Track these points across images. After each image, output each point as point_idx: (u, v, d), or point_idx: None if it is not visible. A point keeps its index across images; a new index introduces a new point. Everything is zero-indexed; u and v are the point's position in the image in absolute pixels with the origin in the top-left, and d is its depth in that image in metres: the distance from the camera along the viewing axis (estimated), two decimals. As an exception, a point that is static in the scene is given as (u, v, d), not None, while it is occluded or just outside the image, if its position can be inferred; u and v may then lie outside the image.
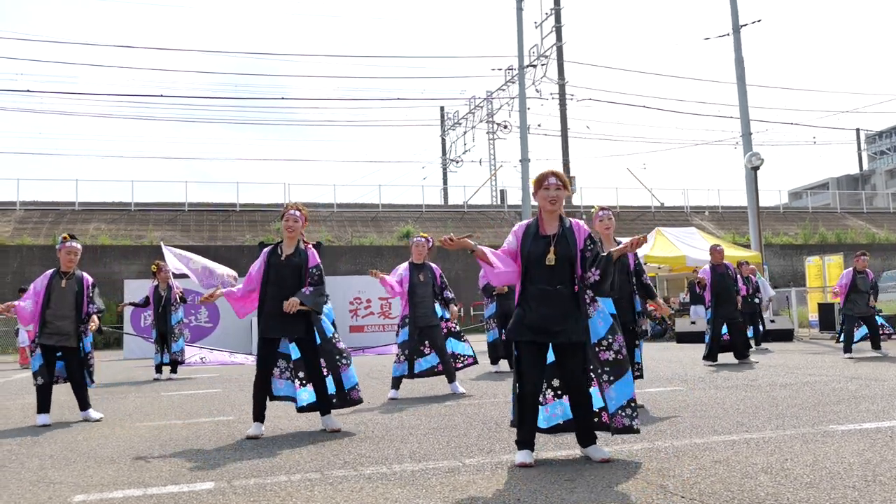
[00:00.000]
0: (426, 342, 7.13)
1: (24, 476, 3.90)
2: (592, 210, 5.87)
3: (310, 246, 5.29)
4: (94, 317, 6.20)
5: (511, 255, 3.90)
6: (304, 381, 5.22)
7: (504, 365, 9.63)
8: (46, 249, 24.54)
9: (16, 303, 6.04)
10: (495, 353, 9.54)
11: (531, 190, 4.01)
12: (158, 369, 10.36)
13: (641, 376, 6.08)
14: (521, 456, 3.73)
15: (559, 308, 3.76)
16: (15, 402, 7.72)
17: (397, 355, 7.10)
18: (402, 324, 7.13)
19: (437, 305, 7.16)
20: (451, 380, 7.11)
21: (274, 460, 4.09)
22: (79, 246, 6.11)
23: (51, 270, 6.12)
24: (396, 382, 6.99)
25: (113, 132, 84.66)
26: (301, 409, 5.20)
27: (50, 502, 3.34)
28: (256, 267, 5.18)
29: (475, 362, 7.56)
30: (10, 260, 24.24)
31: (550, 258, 3.75)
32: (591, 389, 3.87)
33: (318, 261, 5.23)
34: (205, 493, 3.40)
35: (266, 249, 5.22)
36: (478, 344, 9.66)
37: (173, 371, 10.48)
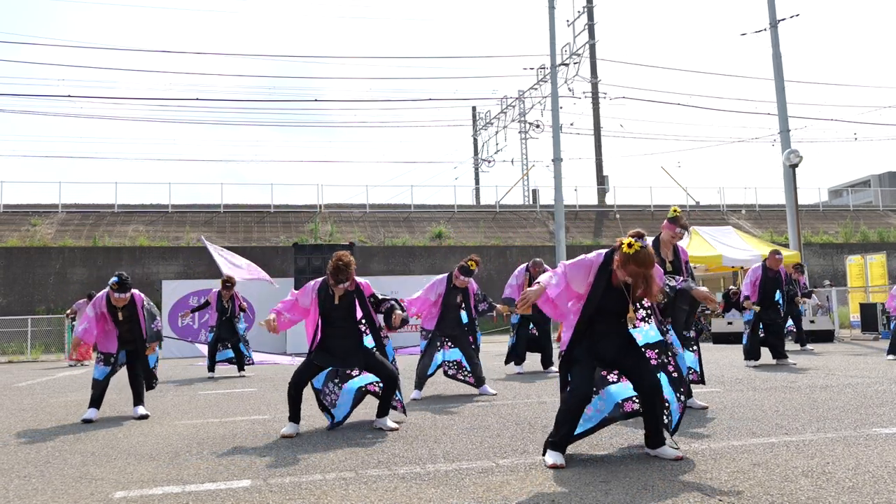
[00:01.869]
0: (450, 342, 7.24)
1: (67, 472, 4.00)
2: (670, 209, 5.63)
3: (359, 281, 5.20)
4: (153, 346, 6.44)
5: (570, 293, 3.91)
6: (354, 375, 5.35)
7: (526, 366, 9.59)
8: (87, 251, 25.16)
9: (82, 338, 6.28)
10: (516, 357, 9.49)
11: (621, 243, 3.61)
12: (212, 368, 10.53)
13: (702, 381, 5.99)
14: (552, 457, 3.72)
15: (623, 342, 3.90)
16: (58, 399, 7.92)
17: (421, 356, 7.19)
18: (424, 336, 7.22)
19: (463, 315, 7.23)
20: (480, 384, 7.09)
21: (309, 459, 4.13)
22: (127, 296, 6.20)
23: (104, 293, 6.26)
24: (420, 382, 7.03)
25: (151, 135, 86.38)
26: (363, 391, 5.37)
27: (92, 498, 3.41)
28: (305, 298, 5.16)
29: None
30: (53, 261, 24.89)
31: (631, 318, 3.81)
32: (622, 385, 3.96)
33: (372, 290, 5.24)
34: (241, 490, 3.45)
35: (317, 285, 5.15)
36: (499, 345, 9.64)
37: (241, 369, 10.71)
